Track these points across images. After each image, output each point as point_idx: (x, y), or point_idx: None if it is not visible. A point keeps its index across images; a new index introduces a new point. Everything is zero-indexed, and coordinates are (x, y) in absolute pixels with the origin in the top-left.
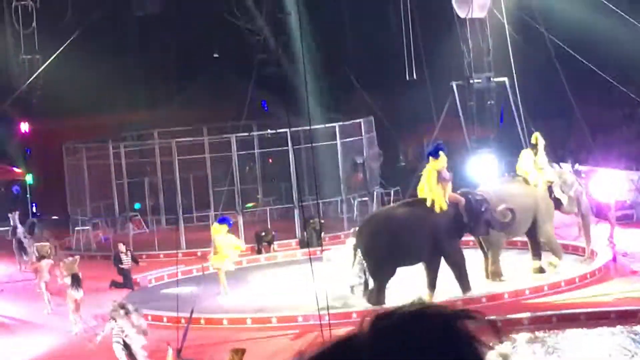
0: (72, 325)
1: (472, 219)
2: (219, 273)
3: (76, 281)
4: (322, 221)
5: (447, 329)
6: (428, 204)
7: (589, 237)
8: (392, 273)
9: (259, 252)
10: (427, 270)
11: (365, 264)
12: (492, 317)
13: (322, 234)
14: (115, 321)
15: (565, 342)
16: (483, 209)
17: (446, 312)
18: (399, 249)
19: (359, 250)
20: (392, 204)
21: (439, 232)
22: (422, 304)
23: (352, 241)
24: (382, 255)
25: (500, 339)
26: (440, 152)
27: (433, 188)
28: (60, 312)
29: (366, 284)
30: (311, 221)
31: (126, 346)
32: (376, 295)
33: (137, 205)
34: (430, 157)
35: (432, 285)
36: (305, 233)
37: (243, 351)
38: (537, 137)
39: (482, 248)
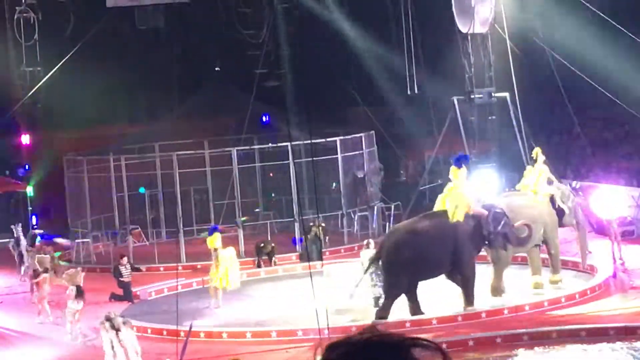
0: (71, 337)
1: (492, 232)
2: (213, 288)
3: (79, 293)
4: (323, 224)
5: (396, 357)
6: (450, 213)
7: (585, 249)
8: (411, 287)
9: (259, 265)
10: (455, 281)
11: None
12: (444, 345)
13: (327, 239)
14: (107, 332)
15: (565, 358)
16: (503, 223)
17: (396, 341)
18: (423, 262)
19: (373, 263)
20: (413, 218)
21: (461, 244)
22: (373, 332)
23: (366, 253)
24: (405, 269)
25: None
26: (464, 164)
27: (459, 197)
28: (61, 324)
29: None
30: (312, 224)
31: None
32: (383, 309)
33: (141, 189)
34: (454, 167)
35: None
36: (305, 240)
37: None
38: (538, 152)
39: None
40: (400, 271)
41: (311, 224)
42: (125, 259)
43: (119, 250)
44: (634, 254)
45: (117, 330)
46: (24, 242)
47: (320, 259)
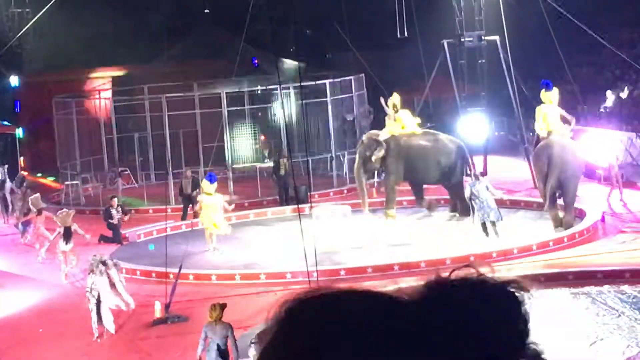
0: (62, 276)
1: None
2: (209, 233)
3: (67, 234)
4: (286, 157)
5: (509, 297)
6: (556, 129)
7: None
8: None
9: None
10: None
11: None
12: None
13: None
14: (94, 275)
15: (553, 302)
16: None
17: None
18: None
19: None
20: (551, 135)
21: None
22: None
23: (484, 183)
24: (576, 179)
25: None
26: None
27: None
28: (49, 265)
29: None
30: (278, 158)
31: (98, 302)
32: (574, 218)
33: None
34: (544, 91)
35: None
36: (277, 177)
37: (223, 306)
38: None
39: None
40: (577, 177)
41: (275, 158)
42: (115, 201)
43: (108, 192)
44: (624, 198)
45: (107, 274)
46: (9, 183)
47: (305, 200)
